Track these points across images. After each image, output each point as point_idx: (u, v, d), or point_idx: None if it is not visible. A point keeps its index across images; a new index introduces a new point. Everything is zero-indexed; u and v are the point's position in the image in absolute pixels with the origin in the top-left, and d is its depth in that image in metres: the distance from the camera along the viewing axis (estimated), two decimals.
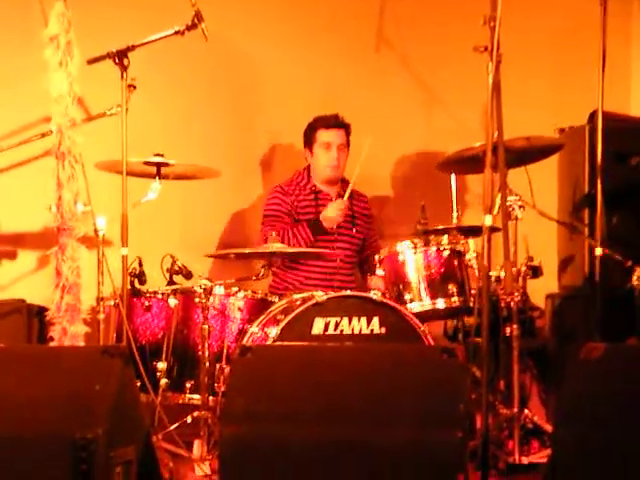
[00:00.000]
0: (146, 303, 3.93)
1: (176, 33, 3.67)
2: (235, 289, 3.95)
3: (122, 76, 3.59)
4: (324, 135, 4.56)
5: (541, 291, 4.58)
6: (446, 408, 2.47)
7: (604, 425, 2.49)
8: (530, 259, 3.87)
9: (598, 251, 3.84)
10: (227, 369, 3.77)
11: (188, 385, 3.86)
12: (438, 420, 2.46)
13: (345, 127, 4.57)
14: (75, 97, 3.55)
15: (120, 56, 3.57)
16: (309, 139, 4.61)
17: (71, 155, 3.52)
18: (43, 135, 4.00)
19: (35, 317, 4.20)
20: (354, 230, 4.62)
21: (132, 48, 3.60)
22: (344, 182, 4.65)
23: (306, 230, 4.43)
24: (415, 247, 4.02)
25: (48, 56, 3.52)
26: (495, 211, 3.42)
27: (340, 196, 4.61)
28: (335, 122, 4.56)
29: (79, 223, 3.56)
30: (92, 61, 3.64)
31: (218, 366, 3.83)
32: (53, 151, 3.55)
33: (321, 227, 4.45)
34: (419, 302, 3.98)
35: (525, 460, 3.64)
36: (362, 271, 4.69)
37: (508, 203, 3.72)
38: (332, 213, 4.46)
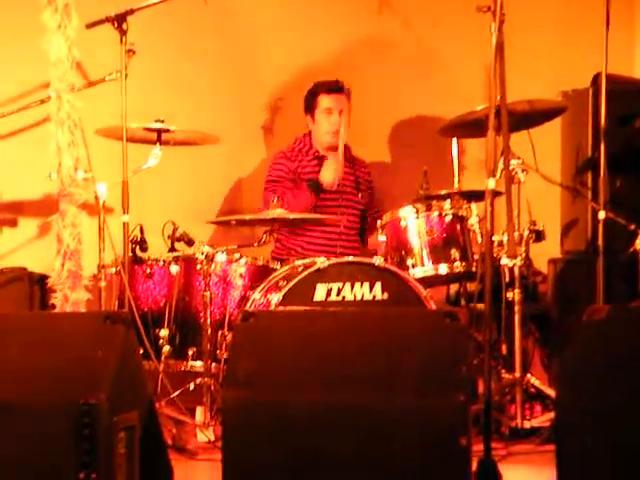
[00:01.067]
0: (148, 270, 3.93)
1: None
2: (237, 256, 3.94)
3: (121, 41, 3.56)
4: (325, 100, 4.53)
5: (544, 256, 4.57)
6: (448, 372, 2.46)
7: (607, 387, 2.48)
8: (533, 223, 3.85)
9: (601, 215, 3.81)
10: (229, 336, 3.77)
11: (190, 352, 3.87)
12: (440, 384, 2.45)
13: (346, 92, 4.54)
14: (74, 61, 3.52)
15: (119, 20, 3.54)
16: (310, 105, 4.58)
17: (70, 120, 3.50)
18: (42, 101, 3.98)
19: (36, 284, 4.19)
20: (359, 195, 4.61)
21: (131, 12, 3.57)
22: (346, 147, 4.63)
23: (306, 191, 4.42)
24: (417, 212, 4.01)
25: (46, 19, 3.48)
26: (498, 175, 3.39)
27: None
28: (336, 87, 4.53)
29: (79, 189, 3.55)
30: (91, 25, 3.61)
31: (220, 333, 3.84)
32: (52, 116, 3.52)
33: (321, 187, 4.43)
34: (421, 267, 3.97)
35: (528, 424, 3.65)
36: (363, 238, 4.67)
37: (511, 167, 3.70)
38: (328, 169, 4.44)
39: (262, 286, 3.83)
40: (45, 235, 4.32)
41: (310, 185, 4.43)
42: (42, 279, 4.04)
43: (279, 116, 5.02)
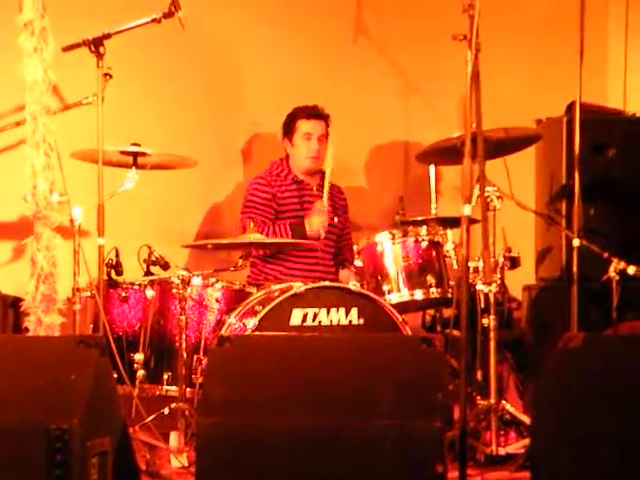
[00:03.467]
0: (123, 294, 3.90)
1: (153, 21, 3.65)
2: (213, 280, 3.93)
3: (98, 64, 3.56)
4: (305, 125, 4.54)
5: (518, 282, 4.59)
6: (424, 398, 2.46)
7: (581, 414, 2.49)
8: (508, 250, 3.87)
9: (575, 242, 3.85)
10: (205, 360, 3.75)
11: (165, 377, 3.84)
12: (416, 410, 2.45)
13: (325, 118, 4.56)
14: (50, 84, 3.50)
15: (96, 44, 3.54)
16: (289, 129, 4.59)
17: (46, 143, 3.48)
18: (18, 124, 3.96)
19: (10, 307, 4.15)
20: (335, 220, 4.61)
21: (108, 36, 3.58)
22: (322, 173, 4.64)
23: (286, 230, 4.39)
24: (393, 238, 4.02)
25: (22, 42, 3.47)
26: (474, 202, 3.41)
27: (320, 186, 4.59)
28: (316, 113, 4.54)
29: (55, 212, 3.52)
30: (67, 48, 3.61)
31: (196, 357, 3.82)
32: (27, 139, 3.51)
33: (303, 231, 4.41)
34: (397, 293, 3.98)
35: (502, 451, 3.65)
36: (335, 263, 4.67)
37: (486, 194, 3.72)
38: (317, 220, 4.41)
39: (238, 310, 3.82)
40: (19, 258, 4.29)
41: (294, 229, 4.40)
42: (16, 302, 4.00)
43: (256, 141, 5.03)
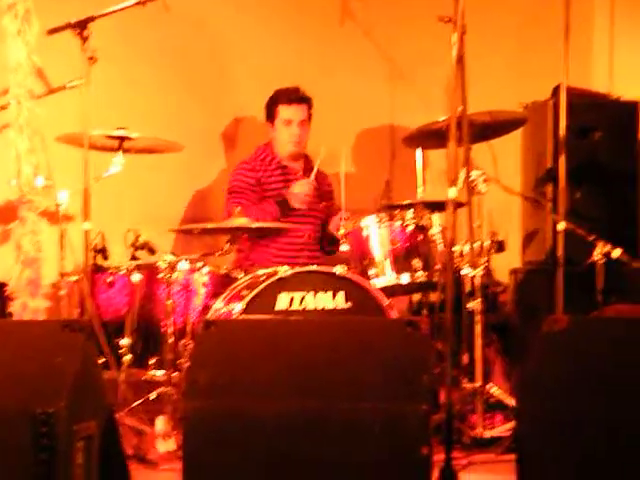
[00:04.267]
0: (109, 279, 3.89)
1: (137, 4, 3.63)
2: (199, 264, 3.92)
3: (82, 48, 3.54)
4: (285, 111, 4.52)
5: (505, 266, 4.60)
6: (410, 381, 2.47)
7: (567, 397, 2.50)
8: (494, 234, 3.88)
9: (561, 226, 3.85)
10: (191, 345, 3.75)
11: (152, 361, 3.83)
12: (402, 393, 2.46)
13: (306, 101, 4.54)
14: (34, 67, 3.49)
15: (80, 27, 3.52)
16: (270, 113, 4.57)
17: (30, 127, 3.46)
18: (2, 108, 3.93)
19: None
20: (322, 204, 4.60)
21: (92, 19, 3.56)
22: (307, 158, 4.64)
23: (273, 206, 4.41)
24: (380, 222, 4.02)
25: (5, 24, 3.45)
26: (459, 185, 3.41)
27: (305, 171, 4.59)
28: (296, 97, 4.52)
29: (39, 197, 3.51)
30: (52, 31, 3.59)
31: (182, 342, 3.81)
32: (11, 123, 3.49)
33: (288, 205, 4.43)
34: (384, 277, 3.98)
35: (488, 434, 3.66)
36: (322, 245, 4.66)
37: (472, 178, 3.72)
38: (299, 189, 4.43)
39: (224, 295, 3.82)
40: (5, 242, 4.26)
41: (279, 203, 4.42)
42: (1, 286, 3.99)
43: (241, 125, 5.01)
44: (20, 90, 3.46)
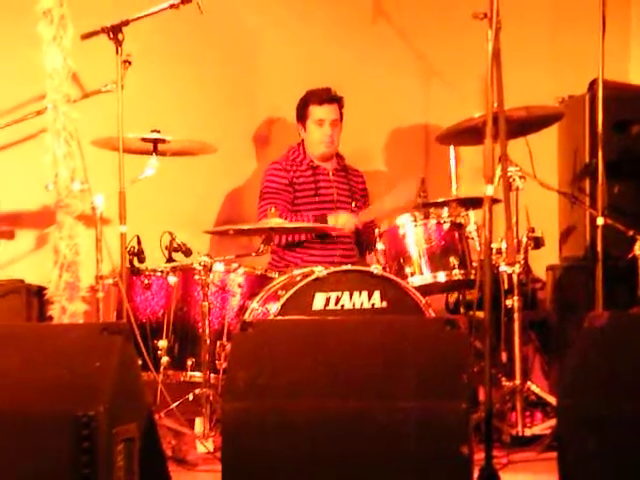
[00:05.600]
0: (145, 281, 3.92)
1: (171, 7, 3.65)
2: (235, 265, 3.93)
3: (117, 51, 3.56)
4: (317, 111, 4.51)
5: (542, 262, 4.56)
6: (449, 379, 2.45)
7: (608, 394, 2.47)
8: (532, 230, 3.85)
9: (600, 221, 3.81)
10: (228, 346, 3.75)
11: (189, 363, 3.85)
12: (441, 392, 2.44)
13: (338, 101, 4.52)
14: (70, 72, 3.51)
15: (114, 31, 3.55)
16: (302, 114, 4.56)
17: (66, 131, 3.48)
18: (39, 113, 3.97)
19: (34, 296, 4.18)
20: (354, 205, 4.59)
21: (126, 23, 3.57)
22: (339, 157, 4.63)
23: (309, 221, 4.38)
24: (415, 220, 4.00)
25: (41, 30, 3.47)
26: (496, 182, 3.38)
27: (336, 171, 4.58)
28: (327, 97, 4.51)
29: (76, 200, 3.53)
30: (86, 36, 3.61)
31: (219, 343, 3.82)
32: (48, 128, 3.51)
33: (326, 233, 4.39)
34: (420, 275, 3.96)
35: (528, 432, 3.64)
36: (360, 249, 4.65)
37: (509, 174, 3.69)
38: (343, 221, 4.38)
39: (260, 295, 3.82)
40: (43, 247, 4.31)
41: (317, 219, 4.37)
42: (40, 291, 4.02)
43: (274, 126, 5.02)
44: (56, 95, 3.48)
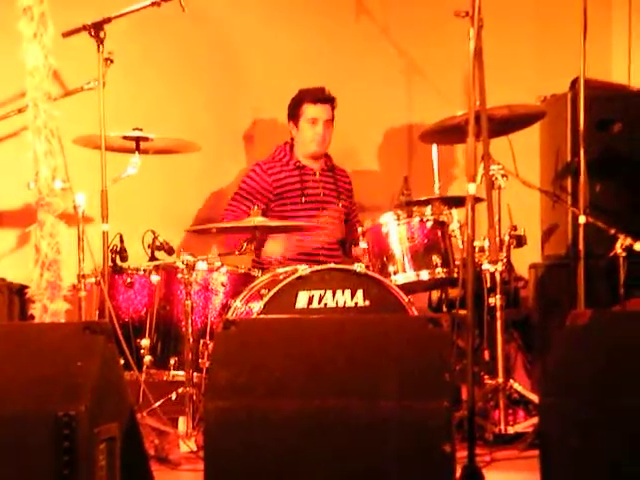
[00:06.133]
0: (128, 280, 3.90)
1: (153, 4, 3.63)
2: (218, 264, 3.92)
3: (98, 49, 3.55)
4: (310, 110, 4.51)
5: (525, 261, 4.57)
6: (432, 378, 2.45)
7: (590, 392, 2.48)
8: (514, 228, 3.86)
9: (582, 219, 3.82)
10: (211, 345, 3.75)
11: (172, 362, 3.84)
12: (424, 390, 2.44)
13: (331, 102, 4.52)
14: (50, 70, 3.49)
15: (96, 29, 3.54)
16: (294, 113, 4.55)
17: (48, 129, 3.47)
18: (20, 110, 3.95)
19: (16, 295, 4.16)
20: (340, 204, 4.60)
21: (108, 20, 3.56)
22: (327, 156, 4.63)
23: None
24: (398, 218, 4.00)
25: (22, 28, 3.46)
26: (478, 180, 3.39)
27: (323, 171, 4.58)
28: (322, 96, 4.50)
29: (57, 199, 3.52)
30: (67, 34, 3.59)
31: (202, 342, 3.82)
32: (29, 126, 3.49)
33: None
34: (403, 274, 3.96)
35: (511, 430, 3.65)
36: (344, 246, 4.65)
37: (491, 172, 3.70)
38: (272, 249, 4.38)
39: (243, 294, 3.82)
40: (24, 245, 4.28)
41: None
42: (21, 289, 4.01)
43: (259, 125, 5.01)
44: (37, 93, 3.46)
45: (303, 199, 4.52)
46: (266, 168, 4.55)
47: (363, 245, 4.07)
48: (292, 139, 4.60)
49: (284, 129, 4.64)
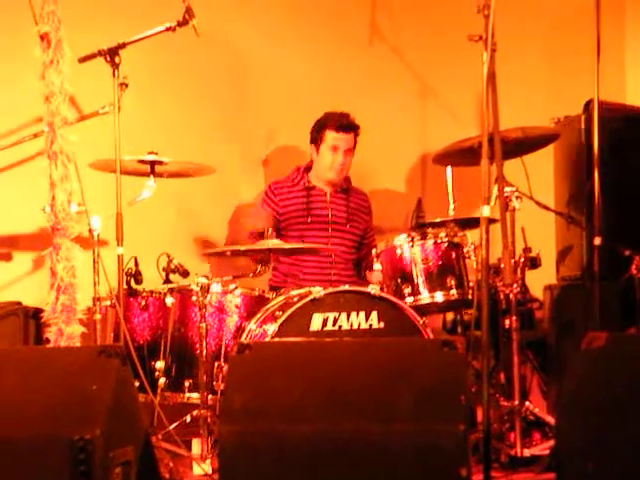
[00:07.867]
0: (143, 302, 3.91)
1: (167, 29, 3.66)
2: (232, 286, 3.92)
3: (114, 74, 3.58)
4: (333, 137, 4.46)
5: (539, 282, 4.56)
6: (447, 401, 2.45)
7: (607, 415, 2.47)
8: (528, 250, 3.85)
9: (597, 241, 3.81)
10: (225, 367, 3.74)
11: (187, 384, 3.84)
12: (439, 413, 2.43)
13: (354, 129, 4.48)
14: (67, 95, 3.51)
15: (111, 54, 3.57)
16: (317, 137, 4.51)
17: (63, 154, 3.49)
18: (36, 135, 3.99)
19: (31, 319, 4.17)
20: (347, 226, 4.59)
21: (123, 45, 3.59)
22: (345, 179, 4.62)
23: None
24: (412, 240, 4.00)
25: (39, 54, 3.49)
26: (492, 202, 3.39)
27: (336, 192, 4.58)
28: (346, 124, 4.45)
29: (73, 223, 3.53)
30: (83, 59, 3.63)
31: (216, 364, 3.81)
32: (45, 151, 3.52)
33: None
34: (417, 296, 3.96)
35: (527, 452, 3.62)
36: (360, 268, 4.65)
37: (505, 194, 3.70)
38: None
39: (258, 316, 3.81)
40: (39, 269, 4.31)
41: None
42: (37, 313, 4.02)
43: (275, 148, 5.02)
44: (54, 118, 3.49)
45: (309, 219, 4.52)
46: (274, 188, 4.56)
47: (377, 267, 4.06)
48: (311, 161, 4.60)
49: (298, 152, 4.64)
